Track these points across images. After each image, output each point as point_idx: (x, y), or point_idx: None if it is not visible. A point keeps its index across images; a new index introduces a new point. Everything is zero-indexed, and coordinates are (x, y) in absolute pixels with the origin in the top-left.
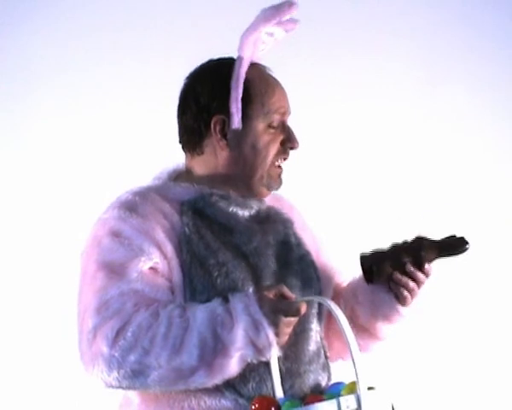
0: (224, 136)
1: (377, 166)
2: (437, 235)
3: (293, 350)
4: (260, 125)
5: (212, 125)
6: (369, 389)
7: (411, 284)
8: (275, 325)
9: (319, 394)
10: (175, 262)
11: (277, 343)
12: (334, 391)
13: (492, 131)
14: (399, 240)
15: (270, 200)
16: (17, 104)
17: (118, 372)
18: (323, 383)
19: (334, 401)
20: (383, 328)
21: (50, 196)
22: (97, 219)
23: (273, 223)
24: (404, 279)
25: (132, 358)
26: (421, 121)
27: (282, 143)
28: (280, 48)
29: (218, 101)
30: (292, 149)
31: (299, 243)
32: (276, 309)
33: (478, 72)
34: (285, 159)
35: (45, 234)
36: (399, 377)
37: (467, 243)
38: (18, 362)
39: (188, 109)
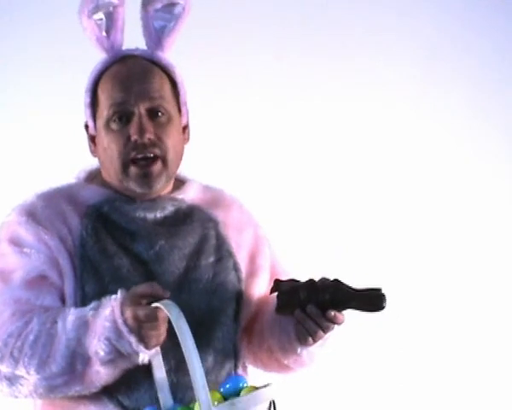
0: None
1: (375, 167)
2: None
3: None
4: (103, 125)
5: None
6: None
7: (313, 326)
8: (136, 331)
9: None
10: (67, 268)
11: (146, 347)
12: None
13: (492, 131)
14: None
15: (203, 195)
16: None
17: None
18: None
19: None
20: (285, 360)
21: None
22: (2, 222)
23: (190, 224)
24: (307, 321)
25: (5, 368)
26: (420, 121)
27: (130, 138)
28: (279, 48)
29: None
30: (136, 142)
31: (222, 245)
32: (136, 315)
33: (477, 72)
34: (140, 156)
35: None
36: None
37: (383, 301)
38: None
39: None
